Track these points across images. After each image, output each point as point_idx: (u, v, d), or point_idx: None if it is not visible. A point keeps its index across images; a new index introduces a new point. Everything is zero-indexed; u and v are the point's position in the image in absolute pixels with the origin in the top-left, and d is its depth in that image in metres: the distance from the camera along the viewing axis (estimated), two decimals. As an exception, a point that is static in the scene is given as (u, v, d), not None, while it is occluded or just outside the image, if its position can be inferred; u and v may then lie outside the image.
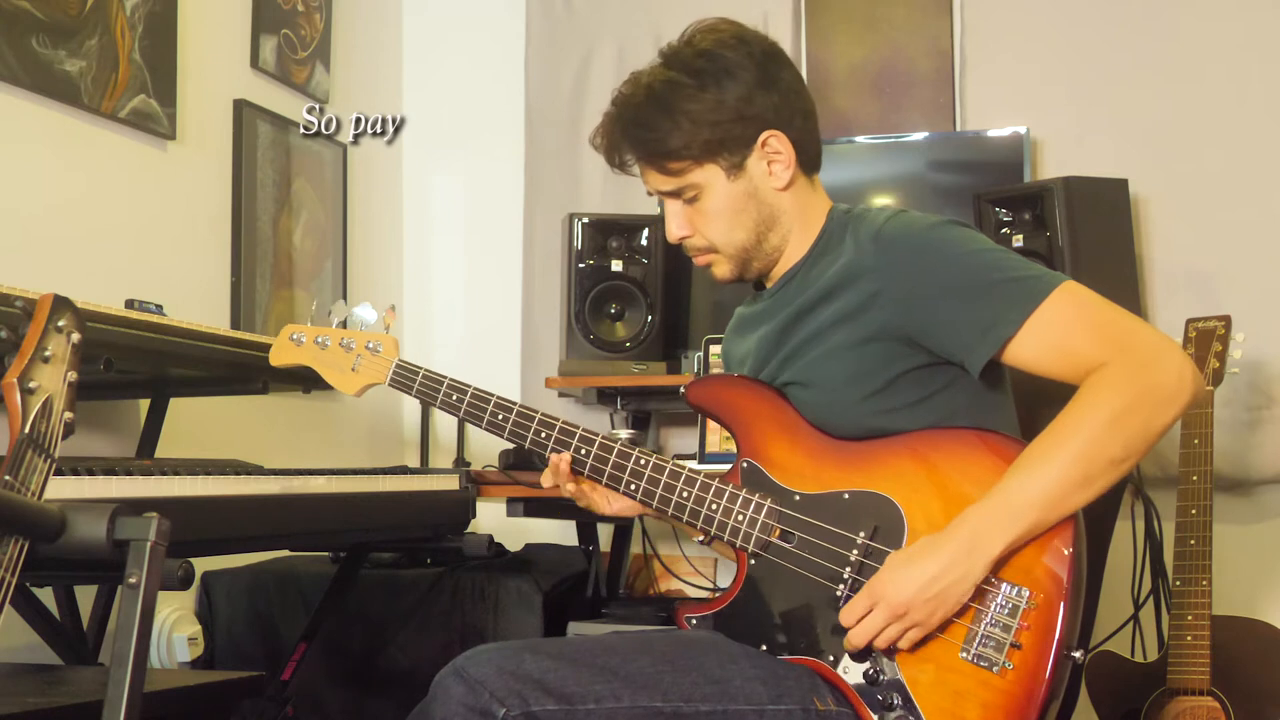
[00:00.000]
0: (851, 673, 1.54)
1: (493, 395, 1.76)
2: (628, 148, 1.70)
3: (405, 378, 1.80)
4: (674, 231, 1.72)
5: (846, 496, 1.59)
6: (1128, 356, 1.50)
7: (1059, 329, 1.54)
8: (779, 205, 1.70)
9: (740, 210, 1.69)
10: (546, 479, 1.75)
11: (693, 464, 1.77)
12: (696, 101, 1.64)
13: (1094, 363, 1.51)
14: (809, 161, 1.73)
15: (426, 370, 1.79)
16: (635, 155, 1.70)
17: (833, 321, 1.64)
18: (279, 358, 1.88)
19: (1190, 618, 2.40)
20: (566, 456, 1.70)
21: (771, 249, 1.72)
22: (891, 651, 1.52)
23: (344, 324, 1.86)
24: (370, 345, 1.83)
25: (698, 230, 1.71)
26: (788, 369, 1.68)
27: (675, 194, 1.70)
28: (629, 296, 3.05)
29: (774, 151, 1.68)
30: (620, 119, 1.69)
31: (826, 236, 1.71)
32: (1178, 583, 2.45)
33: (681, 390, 1.74)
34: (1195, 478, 2.45)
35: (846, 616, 1.52)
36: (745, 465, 1.66)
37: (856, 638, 1.51)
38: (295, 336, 1.87)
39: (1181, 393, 1.49)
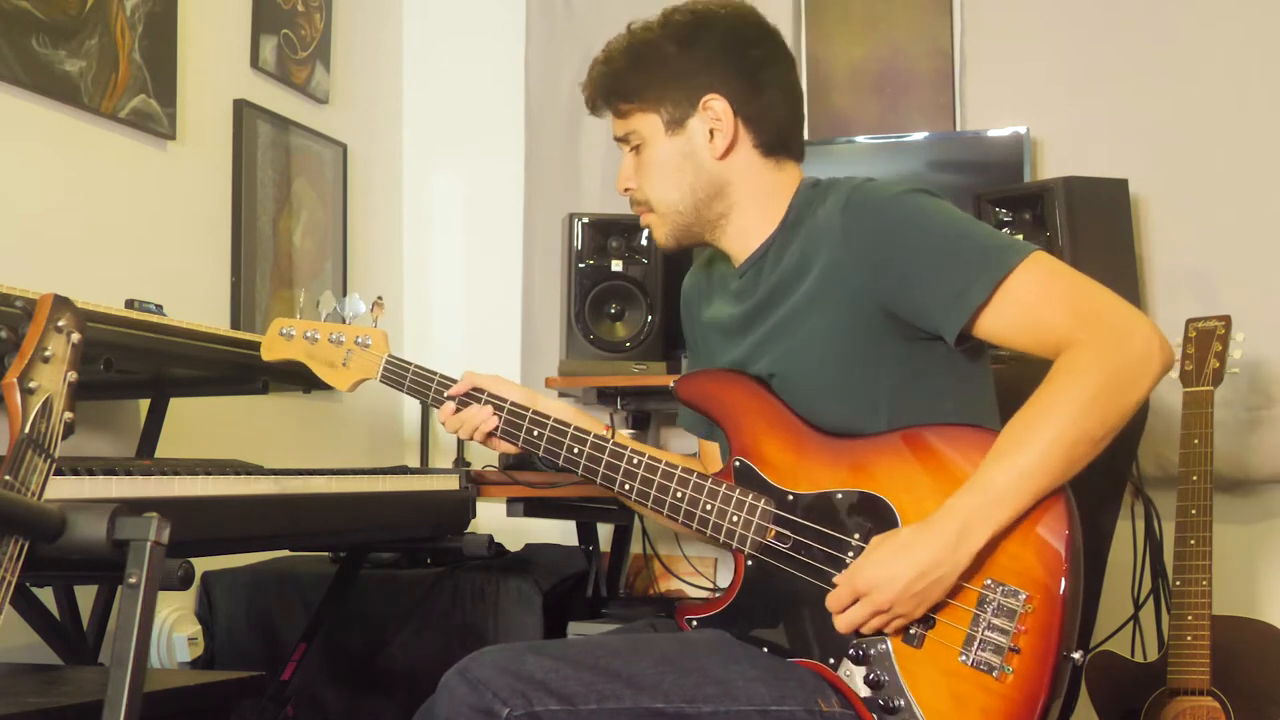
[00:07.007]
0: (853, 677, 1.53)
1: (483, 391, 1.76)
2: (596, 86, 1.77)
3: (396, 373, 1.81)
4: (619, 180, 1.77)
5: (839, 496, 1.58)
6: (1098, 333, 1.50)
7: (1029, 300, 1.53)
8: (719, 175, 1.71)
9: (676, 169, 1.71)
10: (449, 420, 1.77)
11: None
12: (657, 51, 1.72)
13: (1064, 338, 1.51)
14: (769, 143, 1.72)
15: (417, 366, 1.80)
16: (598, 93, 1.76)
17: (806, 302, 1.63)
18: (270, 352, 1.90)
19: (1190, 618, 2.40)
20: (487, 414, 1.74)
21: (714, 218, 1.73)
22: (892, 656, 1.52)
23: (335, 317, 1.87)
24: (360, 340, 1.84)
25: (640, 184, 1.75)
26: (763, 357, 1.67)
27: (624, 139, 1.75)
28: (629, 296, 3.05)
29: (714, 117, 1.69)
30: (600, 60, 1.77)
31: (794, 212, 1.71)
32: (1178, 583, 2.45)
33: (671, 385, 1.74)
34: (1195, 478, 2.45)
35: (832, 602, 1.53)
36: (738, 464, 1.65)
37: (841, 625, 1.52)
38: (285, 331, 1.88)
39: (1152, 365, 1.49)
